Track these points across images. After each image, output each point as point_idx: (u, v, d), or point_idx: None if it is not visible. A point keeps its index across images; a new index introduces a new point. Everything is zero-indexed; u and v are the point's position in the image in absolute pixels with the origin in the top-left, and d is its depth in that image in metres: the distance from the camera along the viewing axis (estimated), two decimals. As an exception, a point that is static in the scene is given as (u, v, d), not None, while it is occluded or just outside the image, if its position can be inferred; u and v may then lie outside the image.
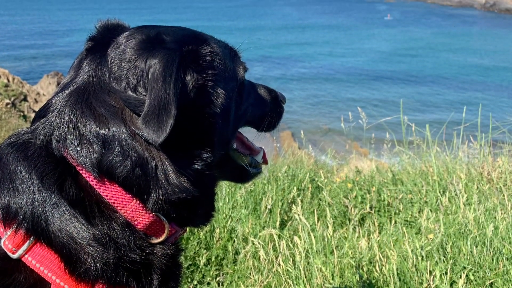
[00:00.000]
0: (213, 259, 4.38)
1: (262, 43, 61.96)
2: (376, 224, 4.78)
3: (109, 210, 1.52)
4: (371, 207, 5.29)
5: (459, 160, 6.16)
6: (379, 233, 4.71)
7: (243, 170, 2.09)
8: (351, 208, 4.98)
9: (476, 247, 3.98)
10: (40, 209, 1.45)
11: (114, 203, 1.51)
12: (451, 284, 3.72)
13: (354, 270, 3.95)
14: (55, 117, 1.55)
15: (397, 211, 5.25)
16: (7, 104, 19.10)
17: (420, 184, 5.44)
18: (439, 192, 5.22)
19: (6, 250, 1.44)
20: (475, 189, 5.11)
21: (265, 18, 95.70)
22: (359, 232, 4.67)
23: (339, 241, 4.51)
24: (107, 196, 1.50)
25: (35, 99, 21.83)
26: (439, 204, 4.99)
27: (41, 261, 1.45)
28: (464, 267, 3.81)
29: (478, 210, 4.58)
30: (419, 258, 3.93)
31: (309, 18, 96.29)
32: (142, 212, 1.54)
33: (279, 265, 4.09)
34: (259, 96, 2.18)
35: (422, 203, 5.19)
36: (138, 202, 1.53)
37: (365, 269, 4.06)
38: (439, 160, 6.10)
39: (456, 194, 5.05)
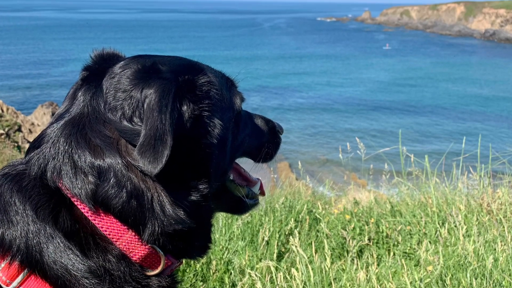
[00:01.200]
0: (209, 291, 4.33)
1: (259, 73, 62.38)
2: (375, 256, 4.73)
3: (105, 241, 1.50)
4: (369, 239, 5.25)
5: (459, 191, 6.14)
6: (378, 265, 4.66)
7: (240, 202, 2.08)
8: (349, 240, 4.93)
9: (476, 279, 3.93)
10: (35, 240, 1.43)
11: (109, 234, 1.49)
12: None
13: (353, 303, 3.90)
14: (50, 148, 1.54)
15: (395, 243, 5.20)
16: (1, 134, 19.13)
17: (419, 216, 5.40)
18: (438, 223, 5.19)
19: (0, 282, 1.42)
20: (475, 220, 5.08)
21: (262, 48, 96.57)
22: (357, 264, 4.62)
23: (337, 273, 4.46)
24: (102, 227, 1.48)
25: (30, 130, 21.85)
26: (438, 236, 4.95)
27: None
28: (464, 300, 3.76)
29: (478, 241, 4.54)
30: (419, 291, 3.88)
31: (306, 48, 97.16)
32: (137, 244, 1.53)
33: (277, 297, 4.03)
34: (256, 127, 2.17)
35: (421, 234, 5.15)
36: (133, 233, 1.52)
37: (364, 302, 4.00)
38: (438, 191, 6.07)
39: (455, 226, 5.01)
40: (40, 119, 25.66)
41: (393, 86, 56.95)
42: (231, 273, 4.52)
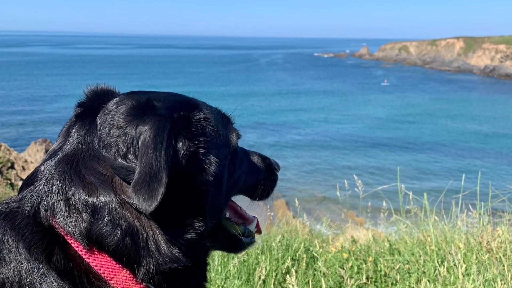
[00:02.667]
0: (205, 331, 4.26)
1: (256, 109, 62.71)
2: (374, 295, 4.68)
3: (99, 280, 1.48)
4: (367, 278, 5.20)
5: (458, 229, 6.10)
6: (377, 304, 4.61)
7: (236, 240, 2.07)
8: (347, 279, 4.88)
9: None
10: (28, 279, 1.41)
11: (103, 273, 1.47)
12: None
13: None
14: (43, 185, 1.53)
15: (394, 282, 5.15)
16: (-6, 172, 19.01)
17: (418, 254, 5.36)
18: (437, 262, 5.14)
19: None
20: (474, 259, 5.03)
21: (259, 84, 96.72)
22: (356, 304, 4.57)
23: (336, 313, 4.41)
24: (96, 266, 1.47)
25: (23, 167, 21.75)
26: (437, 275, 4.90)
27: None
28: None
29: (477, 280, 4.50)
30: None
31: (303, 84, 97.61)
32: (132, 283, 1.51)
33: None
34: (253, 164, 2.17)
35: (420, 273, 5.10)
36: (128, 272, 1.50)
37: None
38: (437, 229, 6.04)
39: (454, 264, 4.96)
40: (33, 156, 25.63)
41: (391, 122, 57.15)
42: (227, 313, 4.47)
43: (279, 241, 6.08)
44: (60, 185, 1.51)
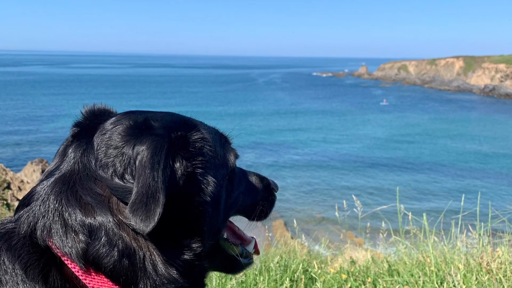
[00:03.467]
0: None
1: (254, 129, 62.77)
2: (373, 316, 4.65)
3: None
4: (367, 299, 5.17)
5: (458, 250, 6.07)
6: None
7: (234, 261, 2.06)
8: (346, 300, 4.85)
9: None
10: None
11: None
12: None
13: None
14: (40, 206, 1.53)
15: (393, 303, 5.12)
16: (-10, 192, 18.93)
17: (417, 275, 5.33)
18: (437, 283, 5.11)
19: None
20: (474, 280, 5.01)
21: (257, 103, 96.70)
22: (355, 325, 4.54)
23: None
24: (93, 287, 1.46)
25: (19, 187, 21.65)
26: (437, 296, 4.87)
27: None
28: None
29: (478, 302, 4.47)
30: None
31: (302, 103, 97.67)
32: None
33: None
34: (251, 184, 2.17)
35: (419, 294, 5.07)
36: None
37: None
38: (436, 250, 6.01)
39: (454, 286, 4.94)
40: (29, 176, 25.54)
41: (390, 142, 57.12)
42: (225, 335, 4.43)
43: (277, 262, 6.05)
44: (56, 205, 1.51)
